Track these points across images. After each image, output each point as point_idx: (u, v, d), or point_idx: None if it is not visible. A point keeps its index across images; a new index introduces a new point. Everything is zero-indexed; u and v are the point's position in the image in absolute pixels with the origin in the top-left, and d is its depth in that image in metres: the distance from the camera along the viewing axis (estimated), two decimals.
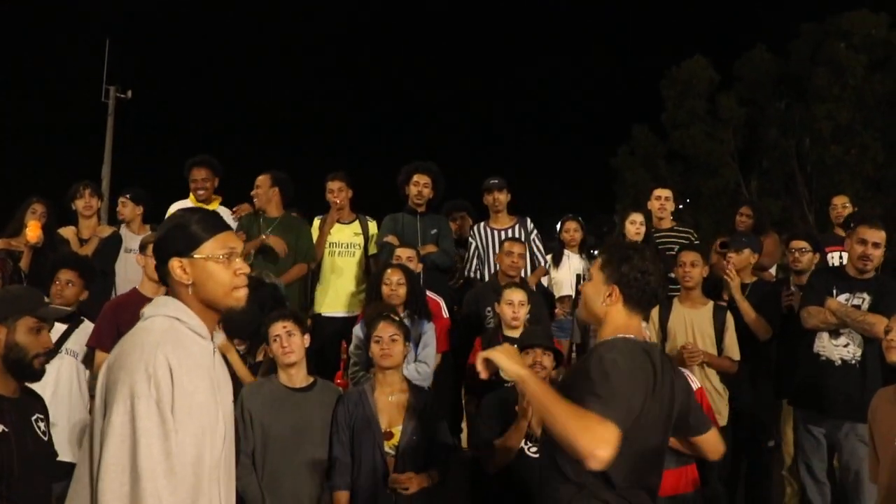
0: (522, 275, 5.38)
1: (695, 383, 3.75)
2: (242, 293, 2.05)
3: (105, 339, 4.06)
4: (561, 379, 2.38)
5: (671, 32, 35.62)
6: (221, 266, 2.01)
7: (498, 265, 5.34)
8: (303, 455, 3.50)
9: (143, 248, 4.42)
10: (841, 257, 5.33)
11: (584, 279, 5.75)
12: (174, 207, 5.68)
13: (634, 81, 39.61)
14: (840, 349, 4.26)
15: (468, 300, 5.24)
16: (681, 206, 6.01)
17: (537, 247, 5.91)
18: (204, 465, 1.93)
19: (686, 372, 3.81)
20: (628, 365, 2.21)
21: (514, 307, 4.45)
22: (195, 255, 2.00)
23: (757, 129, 22.68)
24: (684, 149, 22.60)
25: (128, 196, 6.00)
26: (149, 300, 4.08)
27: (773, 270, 5.95)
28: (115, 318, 4.09)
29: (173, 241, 2.02)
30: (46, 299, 2.94)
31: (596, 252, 5.88)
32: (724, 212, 19.48)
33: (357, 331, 4.57)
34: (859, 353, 4.20)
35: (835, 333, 4.28)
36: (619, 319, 2.38)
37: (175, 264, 2.01)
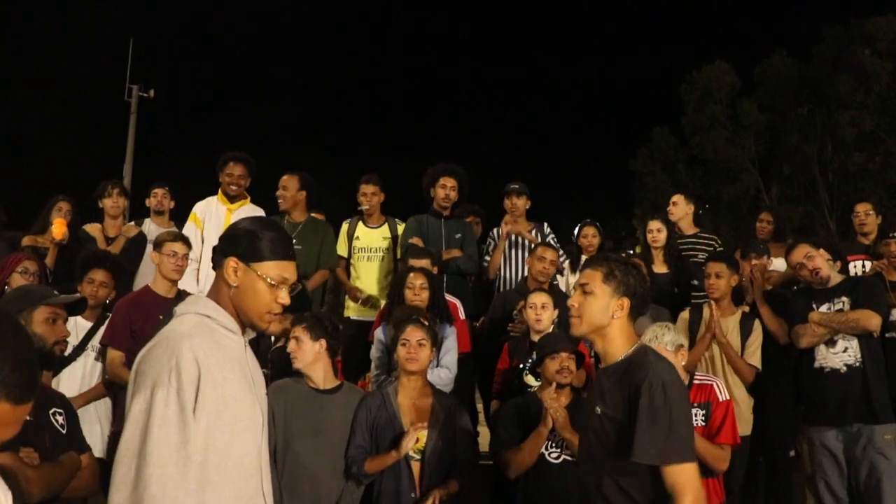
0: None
1: (723, 394, 3.73)
2: (273, 320, 2.12)
3: (118, 337, 4.10)
4: (599, 408, 2.40)
5: (693, 36, 35.49)
6: (268, 289, 2.07)
7: (528, 268, 5.25)
8: (323, 456, 3.51)
9: (157, 245, 4.39)
10: (864, 266, 5.25)
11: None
12: (199, 206, 5.60)
13: (656, 84, 39.50)
14: (841, 355, 4.27)
15: (495, 304, 5.17)
16: (700, 212, 5.95)
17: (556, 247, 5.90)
18: (238, 454, 1.98)
19: (715, 382, 3.80)
20: (676, 380, 2.27)
21: (536, 310, 4.42)
22: (252, 266, 2.07)
23: (778, 135, 22.49)
24: (704, 154, 22.48)
25: (167, 188, 5.94)
26: (161, 298, 4.20)
27: None
28: (127, 316, 4.13)
29: (239, 242, 2.09)
30: (56, 293, 3.02)
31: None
32: (743, 218, 19.38)
33: (379, 333, 4.54)
34: (860, 355, 4.23)
35: (830, 342, 4.30)
36: (627, 329, 2.41)
37: (231, 263, 2.07)
